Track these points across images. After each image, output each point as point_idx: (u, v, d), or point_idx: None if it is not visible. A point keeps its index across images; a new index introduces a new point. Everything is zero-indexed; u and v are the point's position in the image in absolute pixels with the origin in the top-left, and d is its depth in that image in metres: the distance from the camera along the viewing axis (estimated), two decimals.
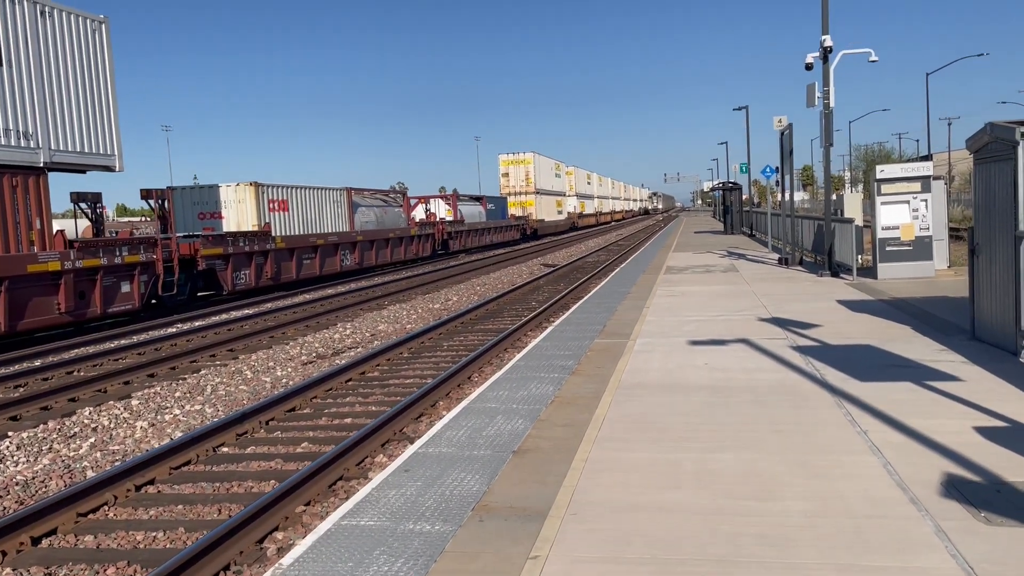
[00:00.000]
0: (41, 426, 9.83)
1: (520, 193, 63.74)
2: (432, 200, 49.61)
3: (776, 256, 24.39)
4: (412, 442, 8.33)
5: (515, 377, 9.03)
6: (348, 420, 9.57)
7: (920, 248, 16.71)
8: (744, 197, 49.90)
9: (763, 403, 7.33)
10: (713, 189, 76.69)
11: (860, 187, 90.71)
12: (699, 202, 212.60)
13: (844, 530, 4.45)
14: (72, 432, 9.56)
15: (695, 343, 10.51)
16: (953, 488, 4.97)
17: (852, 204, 20.47)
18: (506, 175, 65.27)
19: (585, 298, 16.64)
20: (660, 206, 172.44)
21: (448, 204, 49.28)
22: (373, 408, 10.08)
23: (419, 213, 46.65)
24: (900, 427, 6.34)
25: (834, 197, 20.50)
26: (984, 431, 6.11)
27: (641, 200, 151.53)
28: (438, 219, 45.63)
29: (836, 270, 18.38)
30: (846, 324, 11.47)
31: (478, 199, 54.96)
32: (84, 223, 24.66)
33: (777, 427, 6.54)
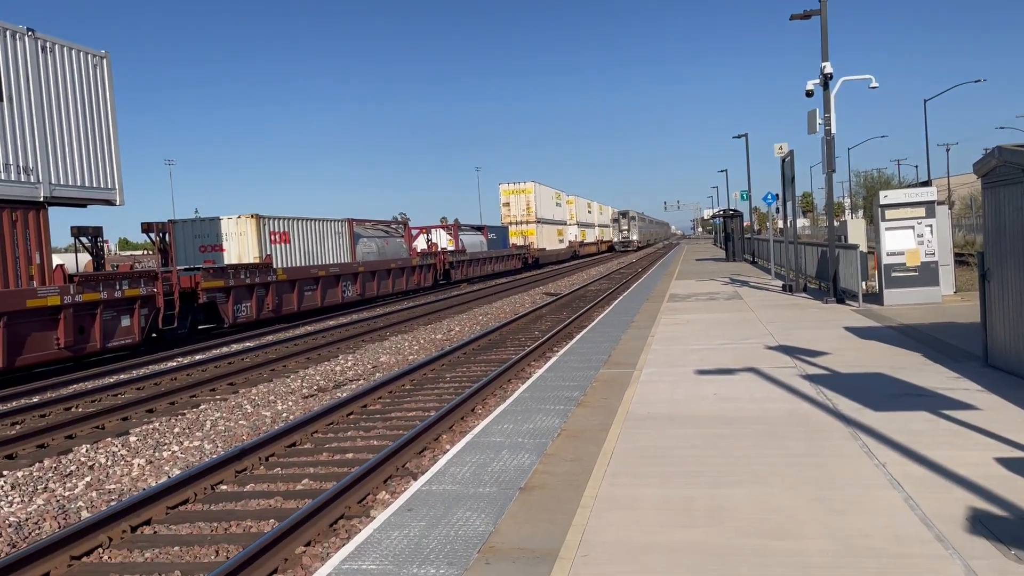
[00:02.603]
0: (37, 464, 9.64)
1: (521, 222, 63.85)
2: (434, 230, 49.62)
3: (780, 283, 24.25)
4: (415, 478, 8.13)
5: (520, 409, 8.84)
6: (350, 455, 9.37)
7: (926, 274, 16.55)
8: (745, 224, 49.87)
9: (775, 434, 7.13)
10: (714, 216, 76.84)
11: (860, 213, 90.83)
12: (699, 229, 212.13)
13: (869, 571, 4.25)
14: (68, 470, 9.35)
15: (703, 372, 10.32)
16: (980, 524, 4.77)
17: (856, 230, 20.36)
18: (507, 204, 65.43)
19: (589, 327, 16.47)
20: (635, 236, 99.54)
21: (450, 234, 49.28)
22: (375, 442, 9.88)
23: (421, 243, 46.63)
24: (919, 459, 6.15)
25: (836, 223, 20.39)
26: (1007, 462, 5.92)
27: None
28: (440, 249, 45.59)
29: (841, 297, 18.21)
30: (855, 352, 11.28)
31: (479, 229, 54.99)
32: (85, 257, 24.58)
33: (791, 460, 6.35)
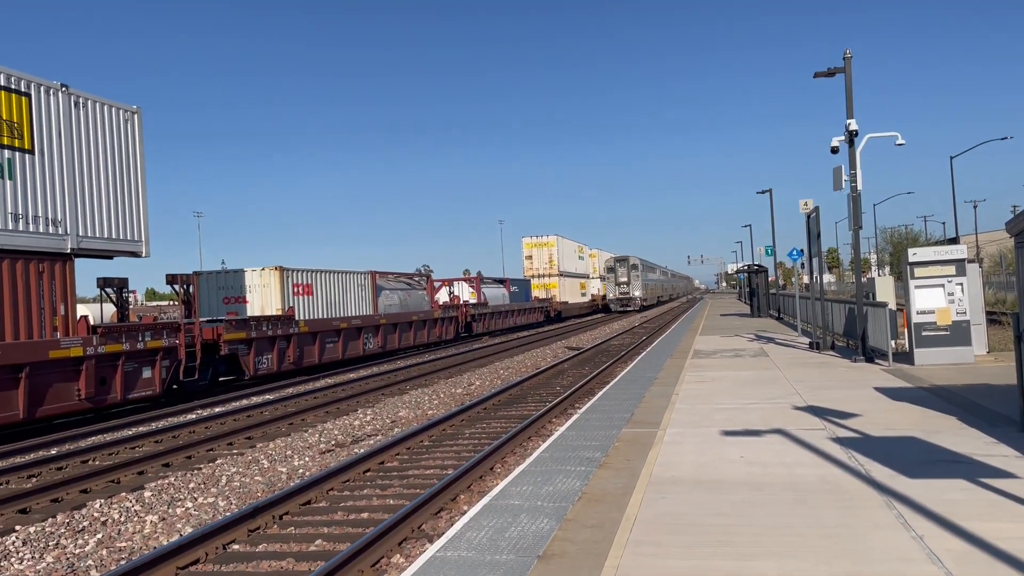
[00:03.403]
0: (50, 520, 9.50)
1: (543, 275, 63.88)
2: (456, 283, 49.72)
3: (806, 340, 23.86)
4: (431, 541, 7.89)
5: (540, 470, 8.60)
6: (365, 515, 9.15)
7: (957, 333, 16.18)
8: (770, 279, 49.49)
9: (805, 502, 6.84)
10: (738, 271, 76.43)
11: (887, 269, 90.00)
12: (723, 284, 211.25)
13: None
14: (81, 526, 9.20)
15: (729, 433, 10.04)
16: None
17: (884, 287, 20.04)
18: (529, 258, 65.58)
19: (611, 383, 16.21)
20: (638, 292, 73.54)
21: (472, 287, 49.33)
22: (391, 502, 9.65)
23: (443, 296, 46.69)
24: (959, 532, 5.84)
25: (863, 280, 20.09)
26: None
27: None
28: (462, 302, 45.60)
29: (870, 355, 17.83)
30: (887, 413, 10.94)
31: (501, 281, 55.04)
32: (111, 307, 24.79)
33: (823, 530, 6.06)
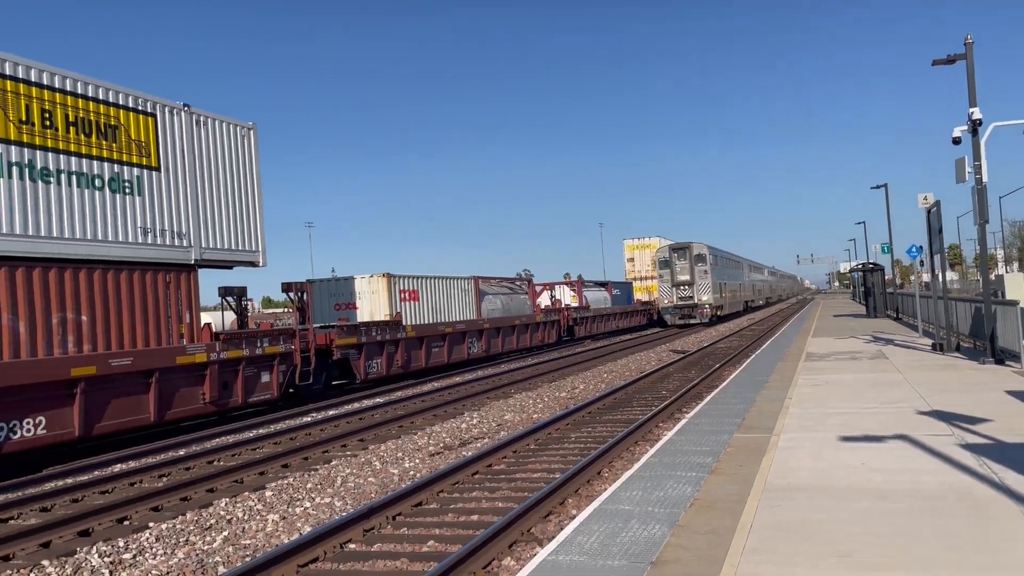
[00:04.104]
0: (180, 517, 10.05)
1: (646, 278, 63.04)
2: (557, 287, 49.73)
3: (928, 341, 22.66)
4: (540, 544, 7.91)
5: (649, 475, 8.50)
6: (475, 517, 9.27)
7: None
8: (887, 278, 47.27)
9: (934, 511, 6.50)
10: (852, 270, 73.38)
11: (1016, 266, 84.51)
12: (835, 284, 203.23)
13: None
14: (208, 524, 9.69)
15: (847, 439, 9.64)
16: None
17: (1014, 284, 18.84)
18: (631, 260, 64.91)
19: (720, 387, 15.84)
20: (706, 296, 51.24)
21: (573, 290, 49.23)
22: (500, 504, 9.74)
23: (544, 300, 46.78)
24: None
25: (991, 277, 18.91)
26: None
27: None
28: (563, 305, 45.57)
29: (1000, 357, 16.76)
30: (1021, 418, 10.26)
31: (603, 284, 54.68)
32: (230, 315, 26.05)
33: (954, 541, 5.73)
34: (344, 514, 9.58)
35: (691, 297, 51.34)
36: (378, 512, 9.17)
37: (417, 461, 13.00)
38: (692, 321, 51.21)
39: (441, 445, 14.33)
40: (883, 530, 6.11)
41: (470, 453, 13.22)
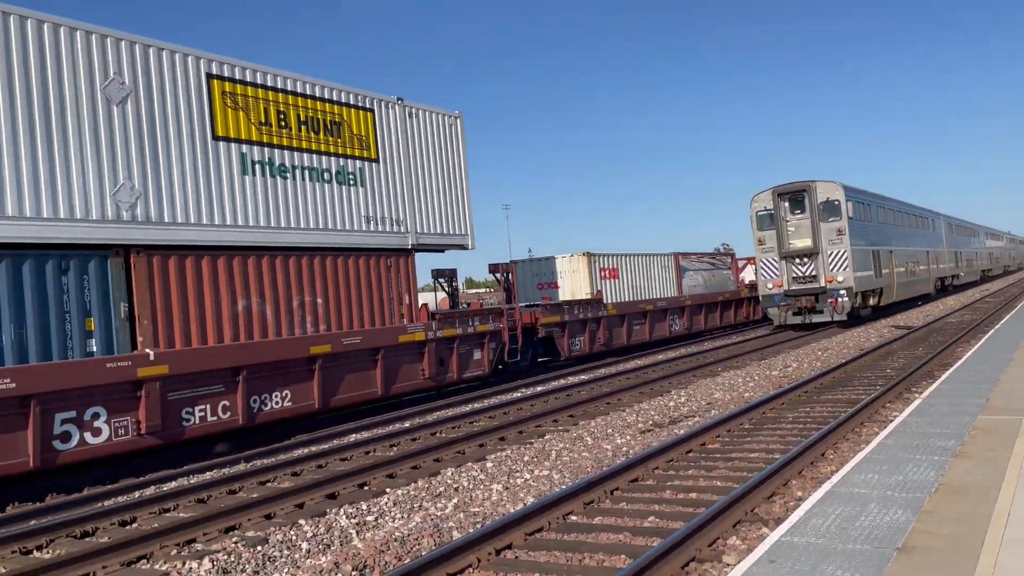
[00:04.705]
0: (412, 484, 10.80)
1: None
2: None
3: None
4: (765, 524, 7.74)
5: (883, 458, 8.04)
6: (693, 495, 9.21)
7: None
8: None
9: None
10: None
11: None
12: None
13: None
14: (438, 491, 10.35)
15: None
16: None
17: None
18: None
19: (955, 366, 14.61)
20: (848, 273, 29.67)
21: None
22: (718, 483, 9.61)
23: (748, 274, 45.14)
24: None
25: None
26: None
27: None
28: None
29: None
30: None
31: None
32: (441, 296, 27.45)
33: None
34: (563, 487, 9.87)
35: (811, 277, 30.80)
36: (596, 486, 9.36)
37: (628, 438, 13.09)
38: (818, 319, 30.50)
39: (650, 423, 14.32)
40: None
41: (681, 431, 13.13)
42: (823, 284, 30.37)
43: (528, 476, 10.83)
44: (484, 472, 11.21)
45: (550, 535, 8.13)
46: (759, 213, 32.06)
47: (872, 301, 33.41)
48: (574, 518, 8.66)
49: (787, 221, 31.34)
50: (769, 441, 11.76)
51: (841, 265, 30.33)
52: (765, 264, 31.76)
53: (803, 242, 30.96)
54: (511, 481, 10.62)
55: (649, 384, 18.81)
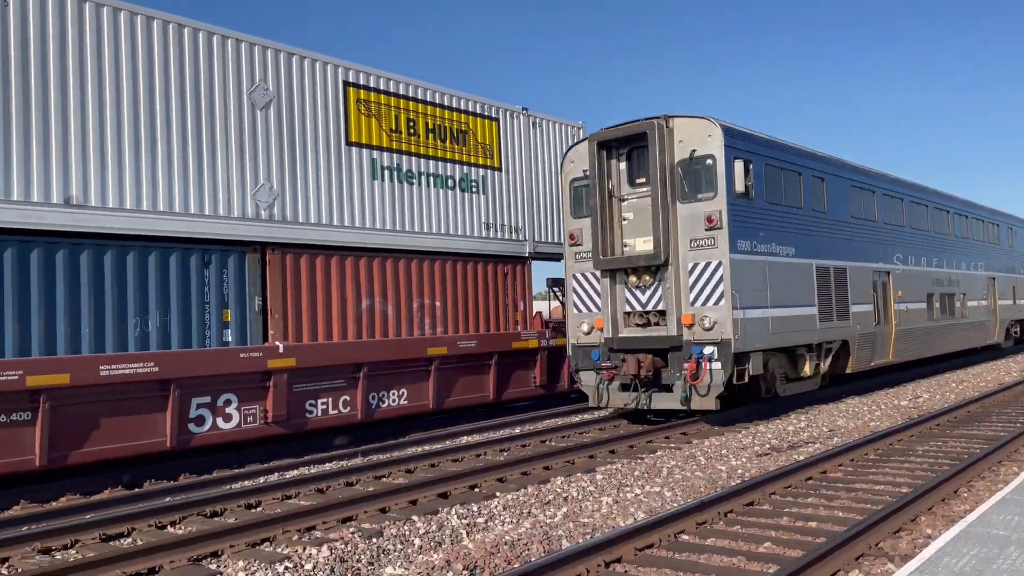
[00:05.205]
0: (522, 490, 10.87)
1: None
2: None
3: None
4: (891, 560, 7.37)
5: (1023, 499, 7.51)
6: (812, 524, 8.87)
7: None
8: None
9: None
10: None
11: None
12: None
13: None
14: (547, 499, 10.39)
15: None
16: None
17: None
18: None
19: None
20: (712, 315, 13.89)
21: None
22: (839, 514, 9.21)
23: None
24: None
25: None
26: None
27: None
28: None
29: None
30: None
31: None
32: (555, 305, 27.54)
33: None
34: (675, 505, 9.71)
35: (660, 313, 15.53)
36: (710, 507, 9.16)
37: (744, 460, 12.74)
38: (662, 402, 15.71)
39: (767, 446, 13.89)
40: None
41: (801, 457, 12.66)
42: (674, 330, 15.21)
43: (639, 491, 10.71)
44: (594, 483, 11.16)
45: (660, 552, 8.02)
46: (575, 184, 16.81)
47: (803, 368, 17.59)
48: (686, 537, 8.51)
49: (621, 199, 16.00)
50: (896, 474, 11.19)
51: (712, 293, 14.89)
52: (577, 284, 16.73)
53: (643, 242, 15.73)
54: (621, 495, 10.53)
55: (763, 406, 18.23)
